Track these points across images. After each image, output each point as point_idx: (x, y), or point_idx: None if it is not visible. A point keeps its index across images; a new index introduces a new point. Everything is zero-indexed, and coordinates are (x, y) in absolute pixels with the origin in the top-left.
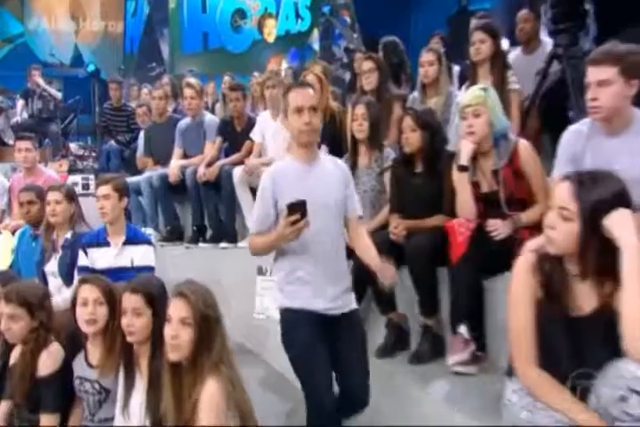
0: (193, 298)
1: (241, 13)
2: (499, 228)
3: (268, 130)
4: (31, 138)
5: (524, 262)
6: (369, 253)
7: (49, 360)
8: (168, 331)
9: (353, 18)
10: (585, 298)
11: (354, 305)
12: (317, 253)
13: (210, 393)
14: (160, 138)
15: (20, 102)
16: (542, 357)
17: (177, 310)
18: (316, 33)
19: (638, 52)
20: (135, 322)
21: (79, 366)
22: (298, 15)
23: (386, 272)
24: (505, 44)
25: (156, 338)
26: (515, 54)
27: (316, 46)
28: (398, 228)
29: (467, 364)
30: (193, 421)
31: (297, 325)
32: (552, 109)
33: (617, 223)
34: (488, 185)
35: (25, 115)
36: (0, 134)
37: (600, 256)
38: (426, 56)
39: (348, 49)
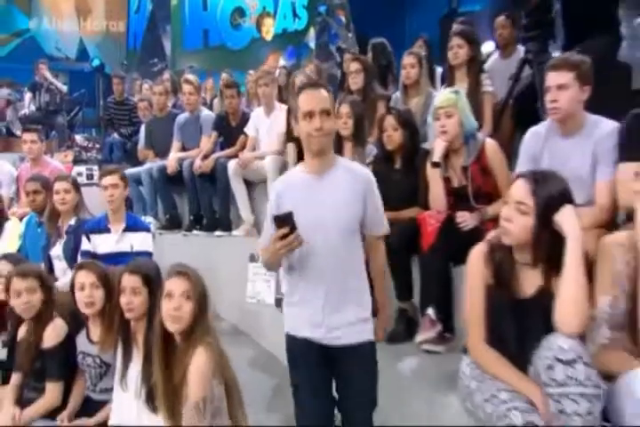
0: (192, 275)
1: (240, 12)
2: (467, 219)
3: (262, 125)
4: (37, 130)
5: (477, 252)
6: (377, 286)
7: (53, 333)
8: (170, 305)
9: (348, 18)
10: (530, 284)
11: (365, 337)
12: (317, 275)
13: (198, 362)
14: (160, 131)
15: (28, 95)
16: (492, 336)
17: (179, 285)
18: (312, 32)
19: (589, 61)
20: (133, 300)
21: (82, 343)
22: (295, 14)
23: (381, 327)
24: (490, 46)
25: (151, 315)
26: (493, 58)
27: (313, 45)
28: None
29: (434, 343)
30: (182, 386)
31: (295, 353)
32: (524, 111)
33: (566, 218)
34: (458, 180)
35: (32, 107)
36: (9, 126)
37: (549, 246)
38: (407, 59)
39: (340, 48)
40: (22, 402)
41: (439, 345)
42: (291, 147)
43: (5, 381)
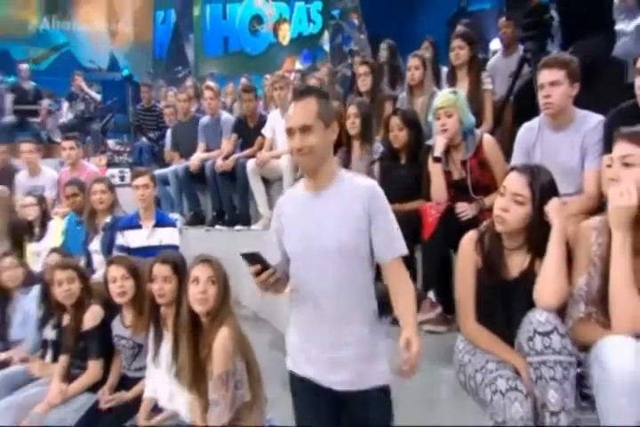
0: (215, 262)
1: (258, 19)
2: (466, 209)
3: (278, 127)
4: (74, 137)
5: (468, 239)
6: (405, 315)
7: (91, 317)
8: (197, 289)
9: (360, 20)
10: (516, 267)
11: (373, 382)
12: (310, 308)
13: (222, 339)
14: (184, 134)
15: (66, 105)
16: (482, 315)
17: (204, 271)
18: (326, 35)
19: (577, 61)
20: (165, 287)
21: (116, 327)
22: (310, 19)
23: (408, 369)
24: (498, 43)
25: (180, 300)
26: (496, 56)
27: (327, 47)
28: None
29: (435, 324)
30: (207, 363)
31: (297, 394)
32: (523, 108)
33: (554, 209)
34: (458, 173)
35: (70, 115)
36: (49, 134)
37: (540, 234)
38: (412, 61)
39: (352, 51)
40: (68, 378)
41: (440, 326)
42: None
43: (55, 359)
